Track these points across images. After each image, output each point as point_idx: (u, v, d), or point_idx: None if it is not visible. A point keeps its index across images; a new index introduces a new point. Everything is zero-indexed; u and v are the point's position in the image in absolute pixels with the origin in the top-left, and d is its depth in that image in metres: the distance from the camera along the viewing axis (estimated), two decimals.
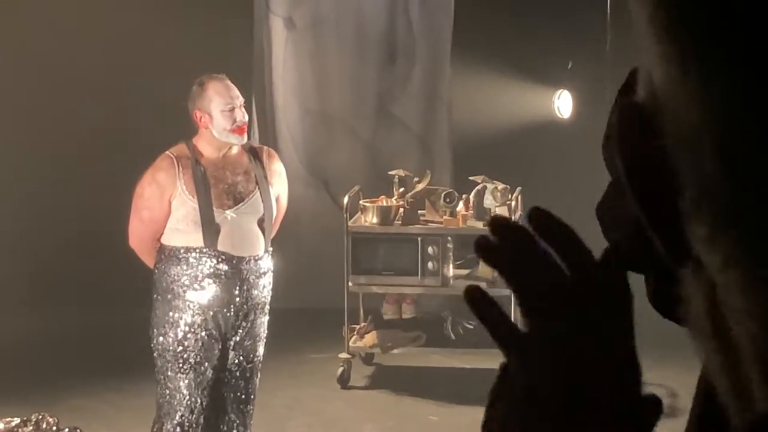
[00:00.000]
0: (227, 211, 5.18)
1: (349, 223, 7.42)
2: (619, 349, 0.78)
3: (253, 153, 5.40)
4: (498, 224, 0.81)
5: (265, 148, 5.68)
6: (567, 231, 0.80)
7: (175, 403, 5.20)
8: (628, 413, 0.77)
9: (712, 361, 0.58)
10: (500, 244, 0.80)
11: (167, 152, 5.22)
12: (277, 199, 5.45)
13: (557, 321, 0.78)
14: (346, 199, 7.46)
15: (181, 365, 5.16)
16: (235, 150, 5.29)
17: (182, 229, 5.15)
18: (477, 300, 0.82)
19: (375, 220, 7.43)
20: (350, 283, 7.44)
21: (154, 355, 5.22)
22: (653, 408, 0.78)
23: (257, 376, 5.48)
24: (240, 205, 5.23)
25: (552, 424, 0.78)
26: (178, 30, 8.77)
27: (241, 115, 5.19)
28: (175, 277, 5.16)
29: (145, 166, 5.25)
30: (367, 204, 7.50)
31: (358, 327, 7.73)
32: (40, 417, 5.66)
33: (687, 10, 0.54)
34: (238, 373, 5.38)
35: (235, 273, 5.22)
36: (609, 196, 0.81)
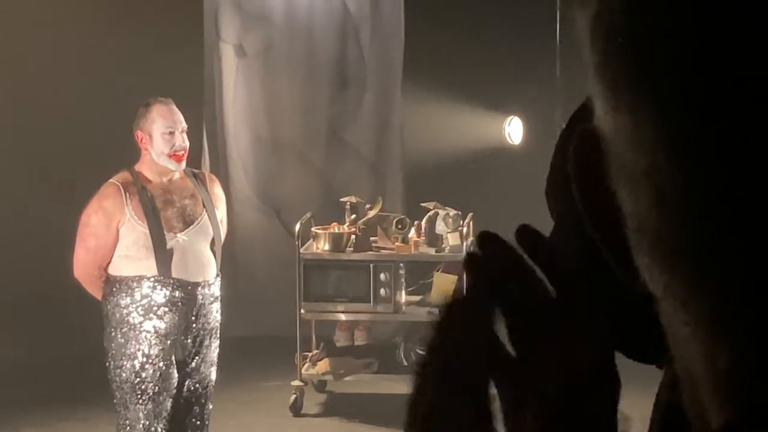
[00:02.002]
0: (179, 234, 5.17)
1: (301, 250, 7.41)
2: (601, 362, 0.79)
3: (196, 177, 5.41)
4: (487, 241, 0.82)
5: (207, 173, 5.70)
6: (553, 250, 0.81)
7: None
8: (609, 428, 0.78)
9: (681, 383, 0.59)
10: (490, 262, 0.81)
11: (111, 180, 5.20)
12: (221, 222, 5.45)
13: (542, 338, 0.79)
14: (297, 226, 7.45)
15: (139, 396, 5.13)
16: (178, 175, 5.29)
17: (133, 255, 5.12)
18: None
19: (327, 247, 7.42)
20: (302, 311, 7.43)
21: (113, 387, 5.18)
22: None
23: (210, 402, 5.47)
24: (191, 227, 5.22)
25: None
26: (129, 58, 8.74)
27: (181, 140, 5.19)
28: (129, 309, 5.12)
29: (91, 196, 5.21)
30: (319, 231, 7.49)
31: (310, 354, 7.71)
32: None
33: (618, 50, 0.55)
34: (192, 399, 5.37)
35: (190, 299, 5.21)
36: (551, 242, 0.82)
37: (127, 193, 5.12)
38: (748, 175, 0.51)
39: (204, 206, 5.31)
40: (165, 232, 5.14)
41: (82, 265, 5.23)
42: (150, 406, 5.14)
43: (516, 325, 0.80)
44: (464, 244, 7.19)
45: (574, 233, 0.72)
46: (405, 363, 7.70)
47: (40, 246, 8.47)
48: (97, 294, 5.23)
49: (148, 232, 5.10)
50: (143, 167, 5.22)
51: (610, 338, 0.79)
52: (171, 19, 8.89)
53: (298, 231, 7.41)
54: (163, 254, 5.13)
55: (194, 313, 5.23)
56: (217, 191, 5.52)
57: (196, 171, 5.55)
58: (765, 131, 0.50)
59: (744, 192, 0.51)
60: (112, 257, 5.16)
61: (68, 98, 8.79)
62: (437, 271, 7.50)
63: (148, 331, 5.13)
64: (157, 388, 5.15)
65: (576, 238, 0.72)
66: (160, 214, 5.14)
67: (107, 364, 5.18)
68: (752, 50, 0.50)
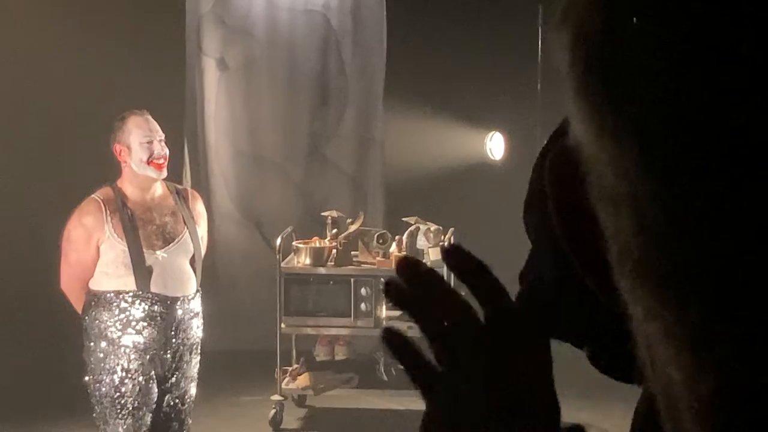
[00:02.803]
0: (158, 252, 5.17)
1: (282, 264, 7.39)
2: (536, 387, 0.78)
3: (179, 194, 5.40)
4: (405, 267, 0.81)
5: (189, 189, 5.68)
6: (481, 269, 0.80)
7: None
8: None
9: (659, 405, 0.59)
10: (409, 288, 0.80)
11: (93, 196, 5.19)
12: (201, 239, 5.45)
13: (471, 363, 0.78)
14: (278, 240, 7.43)
15: (119, 411, 5.11)
16: (160, 191, 5.29)
17: (112, 272, 5.12)
18: (394, 343, 0.82)
19: (308, 261, 7.41)
20: (283, 325, 7.40)
21: (93, 401, 5.17)
22: None
23: (190, 418, 5.46)
24: (171, 245, 5.22)
25: None
26: (110, 71, 8.72)
27: (159, 149, 5.19)
28: (108, 323, 5.11)
29: (71, 211, 5.20)
30: (300, 245, 7.48)
31: (290, 369, 7.69)
32: None
33: (599, 77, 0.54)
34: (172, 415, 5.35)
35: (169, 314, 5.20)
36: (530, 264, 0.82)
37: (108, 211, 5.12)
38: (731, 202, 0.51)
39: (185, 224, 5.30)
40: (144, 250, 5.14)
41: (67, 279, 5.24)
42: (129, 420, 5.13)
43: (441, 349, 0.79)
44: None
45: (552, 255, 0.71)
46: (385, 378, 7.68)
47: (21, 262, 8.44)
48: (80, 308, 5.23)
49: (126, 249, 5.10)
50: (124, 183, 5.22)
51: (548, 361, 0.78)
52: (152, 33, 8.88)
53: (279, 245, 7.40)
54: (141, 272, 5.12)
55: (173, 327, 5.23)
56: (199, 208, 5.51)
57: (179, 187, 5.54)
58: (748, 158, 0.50)
59: (727, 219, 0.51)
60: (93, 272, 5.15)
61: (49, 113, 8.77)
62: None
63: (127, 346, 5.12)
64: (136, 402, 5.14)
65: (553, 260, 0.71)
66: (139, 232, 5.14)
67: (87, 378, 5.17)
68: (734, 77, 0.50)
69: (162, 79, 8.78)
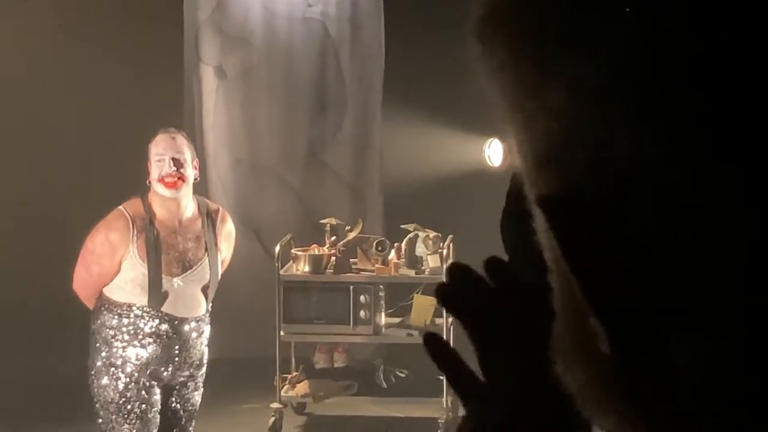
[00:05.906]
0: (174, 279, 5.22)
1: (281, 272, 7.40)
2: (573, 402, 0.79)
3: (209, 216, 5.40)
4: (458, 273, 0.82)
5: (220, 209, 5.61)
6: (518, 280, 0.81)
7: None
8: None
9: None
10: (463, 294, 0.81)
11: (122, 209, 5.20)
12: (222, 261, 5.48)
13: (513, 371, 0.79)
14: (277, 248, 7.43)
15: (126, 416, 5.15)
16: (189, 213, 5.30)
17: (128, 290, 5.17)
18: (436, 348, 0.82)
19: (307, 268, 7.41)
20: (282, 332, 7.41)
21: (97, 406, 5.19)
22: None
23: (192, 424, 5.50)
24: (188, 272, 5.27)
25: None
26: (109, 80, 8.73)
27: (168, 167, 5.20)
28: (116, 331, 5.16)
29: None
30: (299, 253, 7.48)
31: (289, 376, 7.69)
32: None
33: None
34: (173, 421, 5.40)
35: (176, 333, 5.27)
36: None
37: (135, 229, 5.16)
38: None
39: (206, 250, 5.33)
40: (163, 276, 5.18)
41: (83, 285, 5.28)
42: (138, 424, 5.18)
43: (486, 354, 0.80)
44: (444, 266, 7.19)
45: (527, 269, 0.72)
46: (384, 385, 7.69)
47: (20, 272, 8.44)
48: (92, 305, 5.29)
49: (146, 273, 5.14)
50: (153, 197, 5.27)
51: None
52: (151, 42, 8.89)
53: (278, 253, 7.40)
54: (156, 295, 5.18)
55: (177, 346, 5.28)
56: (229, 228, 5.54)
57: (211, 207, 5.51)
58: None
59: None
60: (111, 282, 5.20)
61: (46, 123, 8.77)
62: (417, 293, 7.50)
63: (131, 357, 5.17)
64: (143, 406, 5.19)
65: (528, 274, 0.72)
66: (161, 257, 5.17)
67: (90, 383, 5.21)
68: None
69: (160, 87, 8.79)
